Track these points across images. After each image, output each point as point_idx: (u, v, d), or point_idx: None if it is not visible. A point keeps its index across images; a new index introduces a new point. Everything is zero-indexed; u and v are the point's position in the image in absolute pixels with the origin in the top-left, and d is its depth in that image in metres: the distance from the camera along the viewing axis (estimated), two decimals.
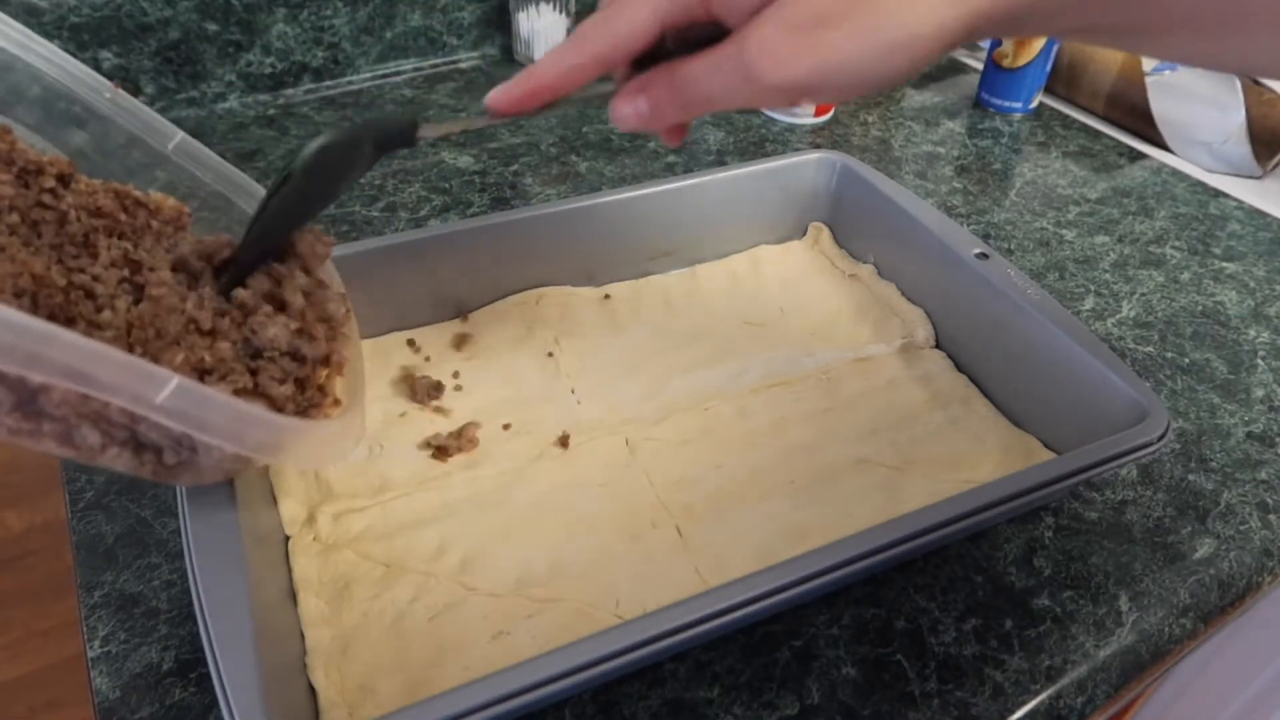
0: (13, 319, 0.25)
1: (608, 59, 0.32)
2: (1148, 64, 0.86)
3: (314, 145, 0.34)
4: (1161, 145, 0.78)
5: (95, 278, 0.32)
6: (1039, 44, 0.78)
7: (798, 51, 0.28)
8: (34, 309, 0.29)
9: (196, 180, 0.41)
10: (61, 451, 0.29)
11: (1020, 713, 0.37)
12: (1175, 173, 0.75)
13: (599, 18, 0.32)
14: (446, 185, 0.69)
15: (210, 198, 0.41)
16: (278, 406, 0.33)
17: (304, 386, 0.35)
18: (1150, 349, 0.56)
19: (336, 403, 0.36)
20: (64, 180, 0.35)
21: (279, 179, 0.35)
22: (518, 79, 0.33)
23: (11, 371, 0.26)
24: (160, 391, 0.27)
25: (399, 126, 0.36)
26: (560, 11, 0.84)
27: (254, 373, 0.34)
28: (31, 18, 0.68)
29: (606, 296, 0.57)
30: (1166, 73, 0.85)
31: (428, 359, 0.51)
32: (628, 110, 0.33)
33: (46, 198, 0.33)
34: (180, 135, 0.40)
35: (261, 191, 0.41)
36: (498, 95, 0.34)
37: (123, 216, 0.36)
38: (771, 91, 0.29)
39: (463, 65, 0.87)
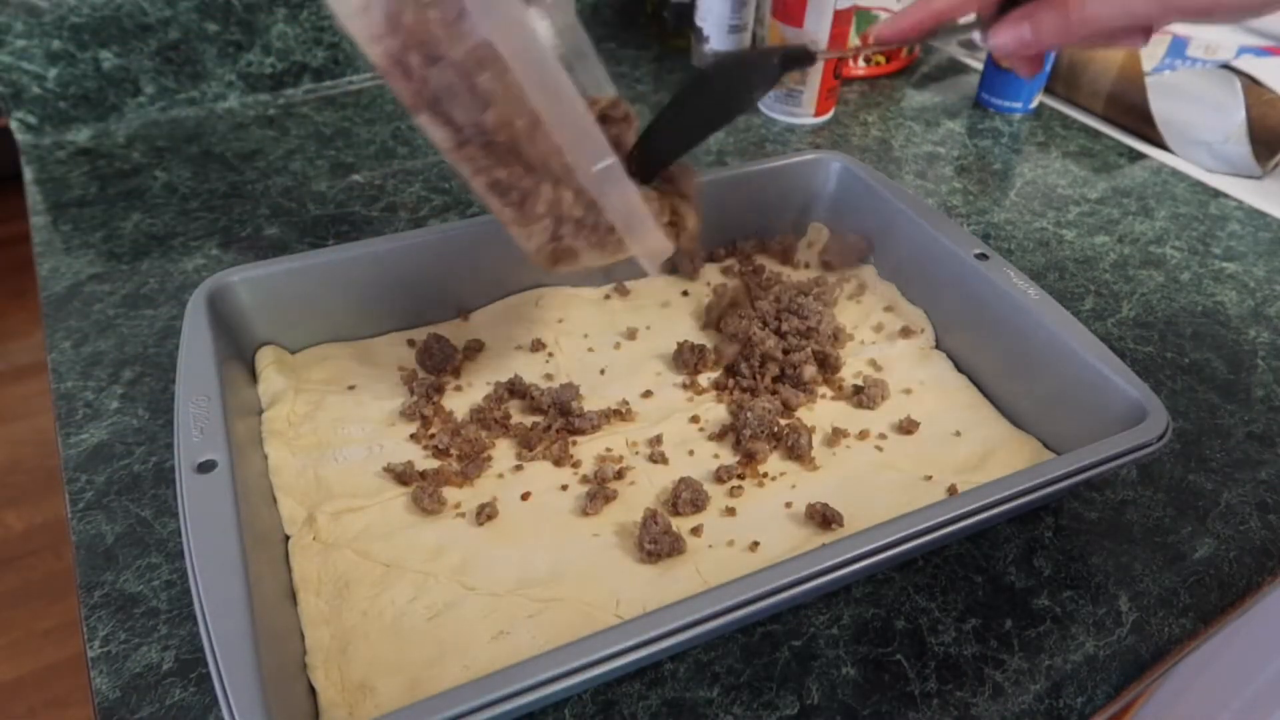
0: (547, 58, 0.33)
1: None
2: (1147, 64, 0.86)
3: (717, 59, 0.42)
4: (1161, 145, 0.78)
5: None
6: None
7: None
8: None
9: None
10: (514, 214, 0.39)
11: (1020, 713, 0.37)
12: (1175, 173, 0.75)
13: None
14: (446, 185, 0.69)
15: None
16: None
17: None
18: (1150, 349, 0.56)
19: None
20: None
21: (686, 85, 0.43)
22: (906, 11, 0.39)
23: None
24: (600, 162, 0.36)
25: (800, 49, 0.42)
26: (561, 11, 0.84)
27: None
28: (32, 17, 0.68)
29: (606, 297, 0.57)
30: (1166, 73, 0.85)
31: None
32: (1008, 37, 0.36)
33: None
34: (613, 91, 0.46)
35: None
36: (886, 27, 0.40)
37: None
38: (1182, 3, 0.31)
39: None
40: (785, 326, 0.52)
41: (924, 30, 0.39)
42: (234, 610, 0.32)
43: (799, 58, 0.42)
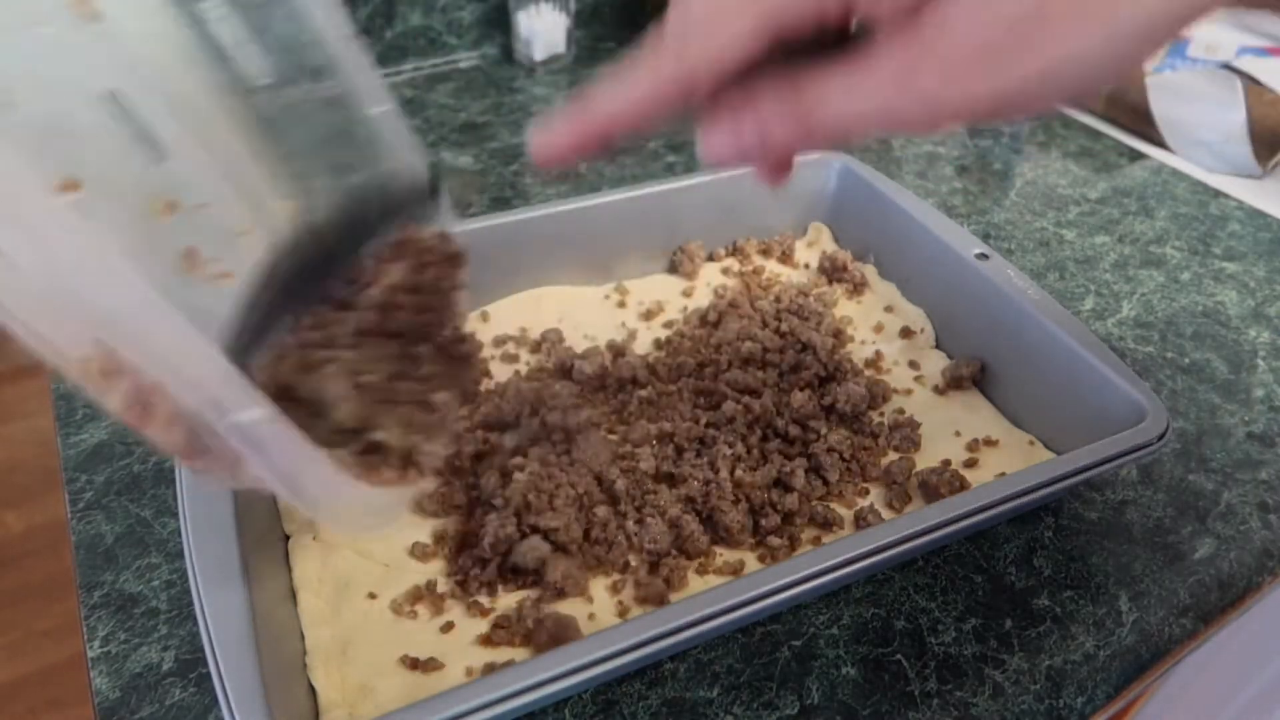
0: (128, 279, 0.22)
1: (695, 81, 0.23)
2: (1148, 64, 0.86)
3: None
4: (1161, 145, 0.78)
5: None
6: None
7: (1012, 51, 0.21)
8: None
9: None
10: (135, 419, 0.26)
11: (1020, 713, 0.37)
12: (1175, 172, 0.75)
13: (680, 21, 0.23)
14: (446, 185, 0.69)
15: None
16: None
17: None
18: (1150, 349, 0.56)
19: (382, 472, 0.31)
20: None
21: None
22: (570, 113, 0.24)
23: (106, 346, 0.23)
24: (242, 413, 0.24)
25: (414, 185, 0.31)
26: (560, 11, 0.84)
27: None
28: None
29: (607, 296, 0.57)
30: (1167, 73, 0.85)
31: None
32: (725, 140, 0.24)
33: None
34: (389, 106, 0.35)
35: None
36: (543, 141, 0.25)
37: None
38: (958, 108, 0.22)
39: (462, 65, 0.87)
40: (785, 326, 0.52)
41: (605, 140, 0.25)
42: (234, 610, 0.32)
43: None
